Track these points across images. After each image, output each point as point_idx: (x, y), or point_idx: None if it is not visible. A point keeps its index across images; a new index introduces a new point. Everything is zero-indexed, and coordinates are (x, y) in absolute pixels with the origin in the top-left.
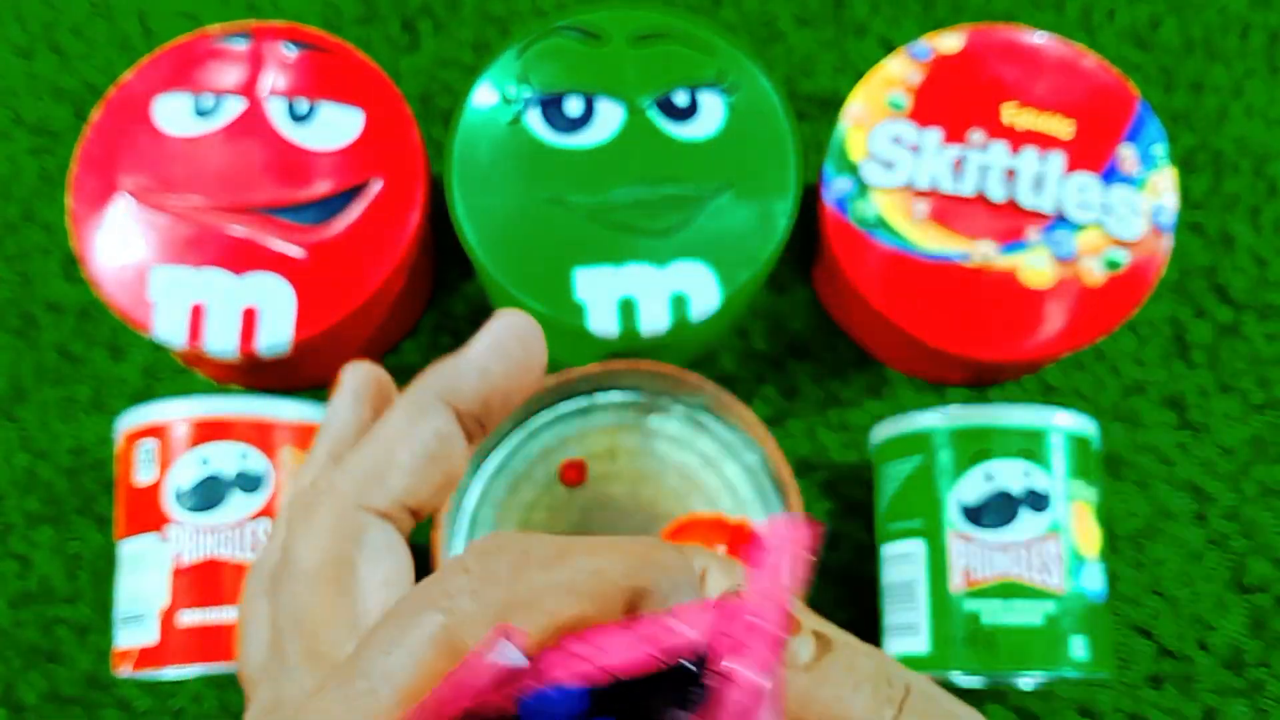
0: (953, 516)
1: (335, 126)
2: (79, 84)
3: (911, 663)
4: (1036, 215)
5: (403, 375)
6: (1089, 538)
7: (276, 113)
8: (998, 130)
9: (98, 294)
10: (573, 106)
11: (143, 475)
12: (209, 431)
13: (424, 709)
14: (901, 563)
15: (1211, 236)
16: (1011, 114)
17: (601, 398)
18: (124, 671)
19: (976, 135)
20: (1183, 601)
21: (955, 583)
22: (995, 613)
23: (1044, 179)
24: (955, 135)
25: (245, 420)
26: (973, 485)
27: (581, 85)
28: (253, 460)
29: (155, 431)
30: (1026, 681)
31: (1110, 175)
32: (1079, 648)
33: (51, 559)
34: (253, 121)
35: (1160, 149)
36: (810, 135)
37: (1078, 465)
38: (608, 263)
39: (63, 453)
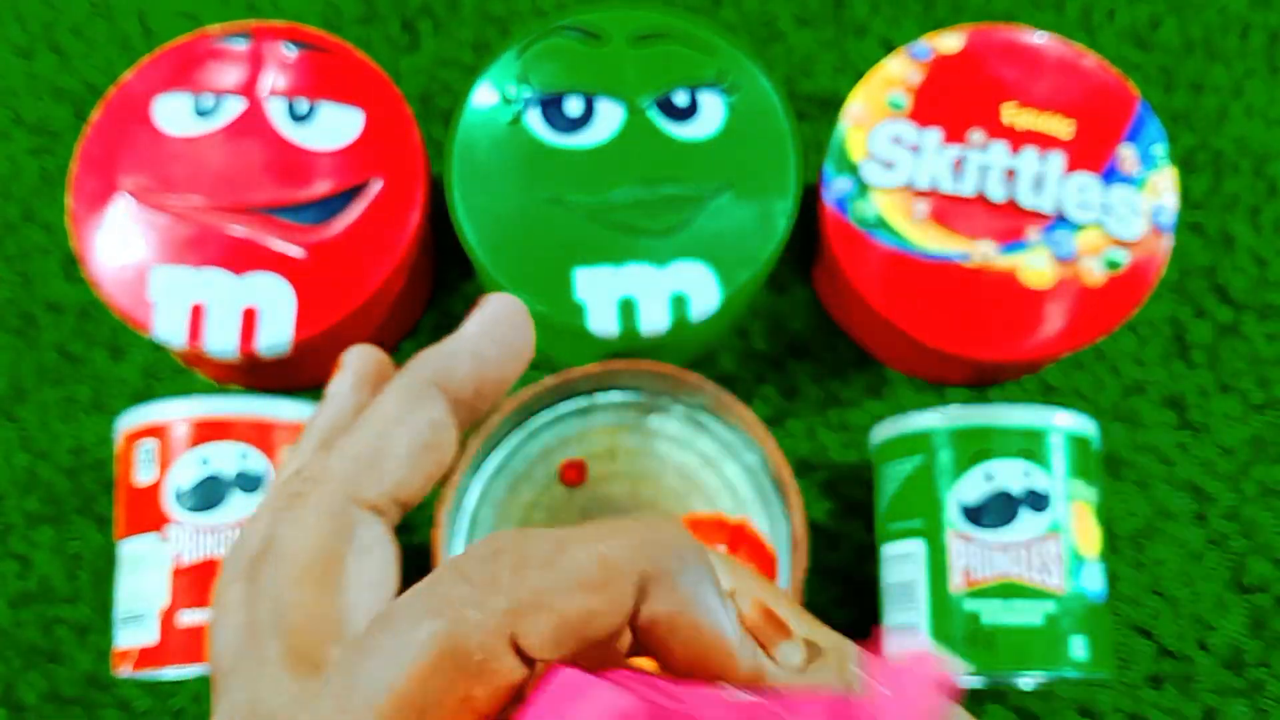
0: (953, 516)
1: (335, 126)
2: (79, 84)
3: None
4: (1036, 215)
5: None
6: (1089, 538)
7: (276, 113)
8: (998, 130)
9: (98, 294)
10: (573, 106)
11: (143, 475)
12: (209, 431)
13: None
14: (901, 563)
15: (1211, 236)
16: (1011, 114)
17: (601, 398)
18: (124, 671)
19: (976, 135)
20: (1183, 601)
21: (955, 583)
22: (995, 613)
23: (1044, 179)
24: (955, 135)
25: (245, 420)
26: (973, 485)
27: (581, 85)
28: (253, 460)
29: (155, 431)
30: (1026, 681)
31: (1110, 175)
32: (1079, 648)
33: (51, 559)
34: (253, 121)
35: (1160, 149)
36: (810, 135)
37: (1078, 465)
38: (608, 263)
39: (63, 453)
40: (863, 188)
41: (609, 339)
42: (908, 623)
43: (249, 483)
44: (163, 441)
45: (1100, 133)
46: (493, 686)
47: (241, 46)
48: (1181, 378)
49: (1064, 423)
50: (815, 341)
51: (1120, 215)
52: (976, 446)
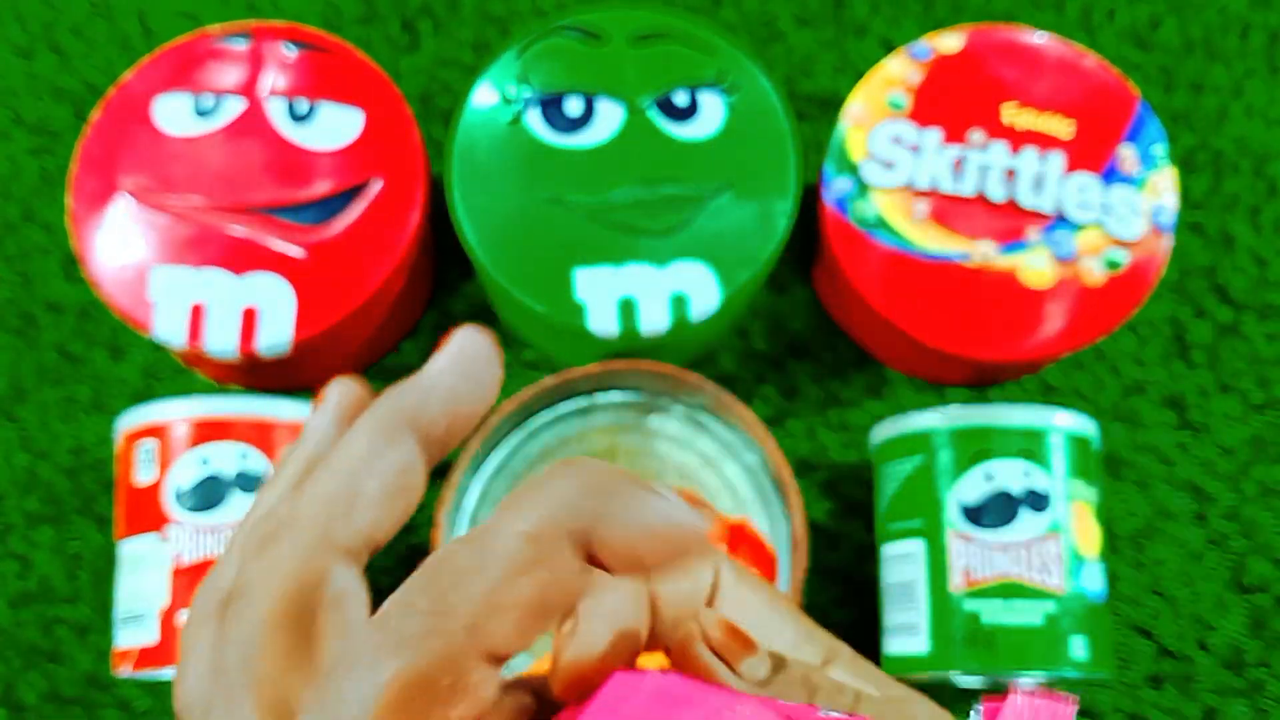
0: (953, 516)
1: (335, 126)
2: (79, 84)
3: (911, 663)
4: (1036, 215)
5: (403, 375)
6: (1089, 538)
7: (276, 113)
8: (998, 130)
9: (98, 294)
10: (573, 106)
11: (143, 475)
12: (209, 431)
13: None
14: (901, 563)
15: (1211, 236)
16: (1011, 114)
17: (601, 398)
18: (124, 671)
19: (976, 135)
20: (1182, 601)
21: (955, 583)
22: (995, 613)
23: (1044, 179)
24: (955, 135)
25: (245, 420)
26: (973, 485)
27: (581, 85)
28: (253, 460)
29: (155, 431)
30: (1026, 682)
31: (1110, 175)
32: (1079, 648)
33: (51, 559)
34: (253, 121)
35: (1160, 149)
36: (810, 135)
37: (1078, 465)
38: (608, 263)
39: (63, 453)
40: (863, 188)
41: (609, 339)
42: (908, 623)
43: (249, 483)
44: (163, 441)
45: (1100, 133)
46: (472, 698)
47: (241, 46)
48: (1181, 378)
49: (1064, 423)
50: (815, 341)
51: (1120, 215)
52: (976, 446)
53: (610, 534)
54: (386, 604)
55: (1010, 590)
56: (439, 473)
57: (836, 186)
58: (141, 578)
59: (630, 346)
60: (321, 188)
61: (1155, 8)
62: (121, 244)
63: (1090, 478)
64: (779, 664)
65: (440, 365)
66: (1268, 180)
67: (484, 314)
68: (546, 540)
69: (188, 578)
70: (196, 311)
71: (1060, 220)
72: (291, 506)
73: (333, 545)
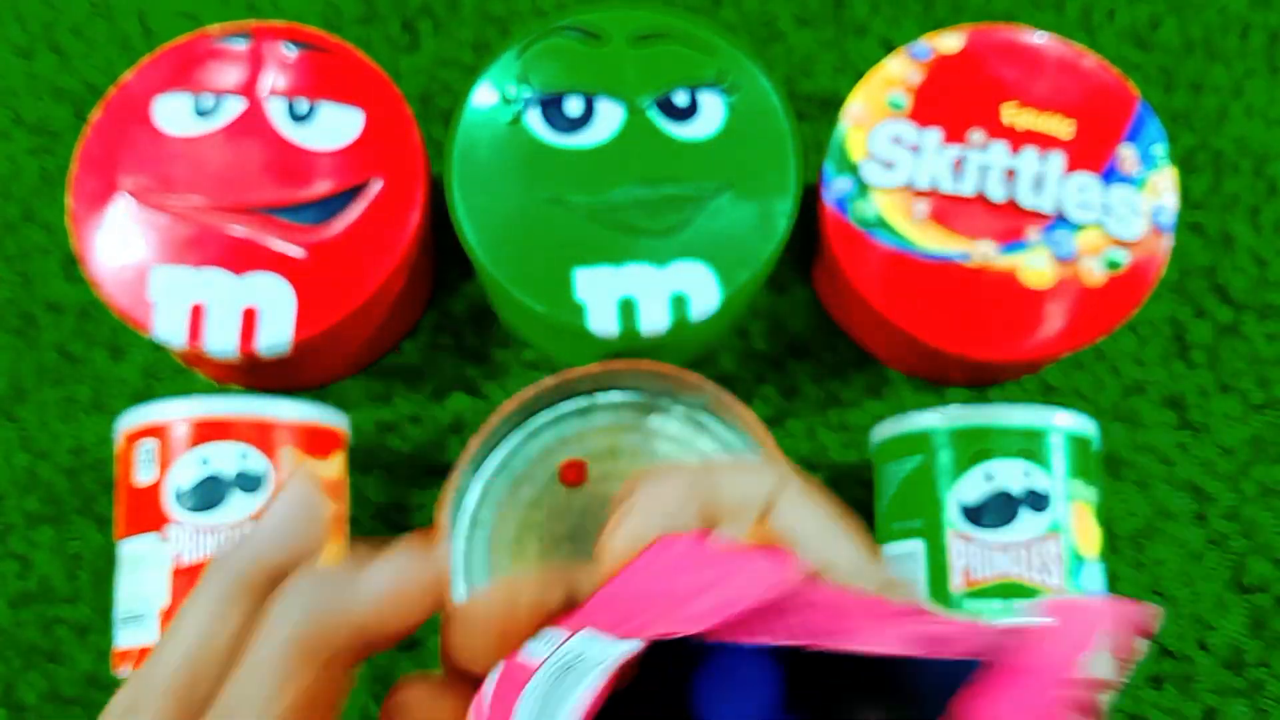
0: (953, 516)
1: (335, 126)
2: (79, 84)
3: None
4: (1036, 215)
5: (403, 375)
6: (1089, 538)
7: (276, 113)
8: (998, 130)
9: (98, 294)
10: (573, 106)
11: (143, 475)
12: (209, 431)
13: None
14: (901, 563)
15: (1211, 236)
16: (1011, 114)
17: (601, 398)
18: (124, 671)
19: (976, 135)
20: (1183, 601)
21: (955, 583)
22: (995, 613)
23: (1044, 179)
24: (955, 135)
25: (245, 420)
26: (973, 485)
27: (581, 85)
28: (253, 460)
29: (155, 431)
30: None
31: (1110, 175)
32: None
33: (51, 559)
34: (253, 121)
35: (1160, 149)
36: (810, 135)
37: (1078, 465)
38: (608, 263)
39: (63, 453)
40: (863, 188)
41: (609, 339)
42: None
43: (249, 483)
44: (163, 441)
45: (1100, 133)
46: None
47: (241, 46)
48: (1181, 378)
49: (1064, 423)
50: (815, 341)
51: (1120, 215)
52: (976, 446)
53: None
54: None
55: (1010, 590)
56: (439, 472)
57: (836, 186)
58: (141, 578)
59: (630, 346)
60: (321, 188)
61: (1155, 8)
62: (121, 244)
63: (1090, 478)
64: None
65: (263, 525)
66: (1268, 180)
67: (484, 314)
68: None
69: (188, 578)
70: (196, 311)
71: (1060, 220)
72: (135, 691)
73: None
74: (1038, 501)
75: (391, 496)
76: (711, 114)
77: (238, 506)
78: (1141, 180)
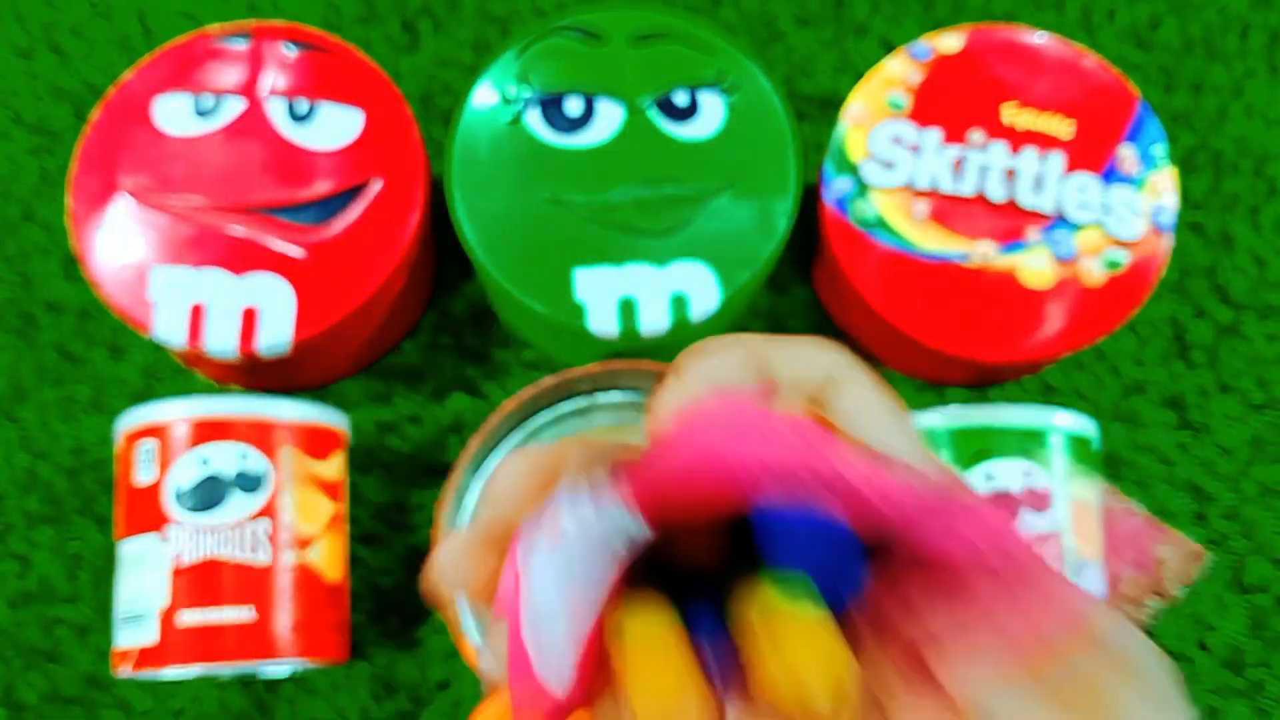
0: None
1: (335, 126)
2: (79, 84)
3: None
4: (1036, 215)
5: (403, 375)
6: (1089, 538)
7: (276, 113)
8: (998, 130)
9: (98, 294)
10: (573, 106)
11: (143, 475)
12: (209, 431)
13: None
14: None
15: (1211, 236)
16: (1011, 114)
17: (601, 398)
18: (124, 671)
19: (976, 135)
20: (1183, 601)
21: None
22: None
23: (1044, 179)
24: (955, 135)
25: (245, 420)
26: (973, 485)
27: (581, 85)
28: (253, 460)
29: (155, 431)
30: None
31: (1110, 175)
32: None
33: (51, 559)
34: (253, 121)
35: (1160, 149)
36: (810, 135)
37: (1078, 466)
38: (608, 263)
39: (63, 453)
40: (863, 188)
41: (609, 339)
42: None
43: (249, 482)
44: (163, 441)
45: (1100, 133)
46: None
47: (241, 46)
48: (1181, 378)
49: (1064, 423)
50: None
51: (1120, 215)
52: (976, 446)
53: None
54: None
55: None
56: (439, 472)
57: (836, 186)
58: (141, 578)
59: (630, 346)
60: (321, 188)
61: (1155, 8)
62: (121, 244)
63: (1091, 478)
64: None
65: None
66: (1268, 180)
67: (484, 314)
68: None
69: (188, 578)
70: (196, 311)
71: (1060, 220)
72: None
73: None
74: (1037, 501)
75: (391, 496)
76: (711, 114)
77: (238, 506)
78: (1141, 180)
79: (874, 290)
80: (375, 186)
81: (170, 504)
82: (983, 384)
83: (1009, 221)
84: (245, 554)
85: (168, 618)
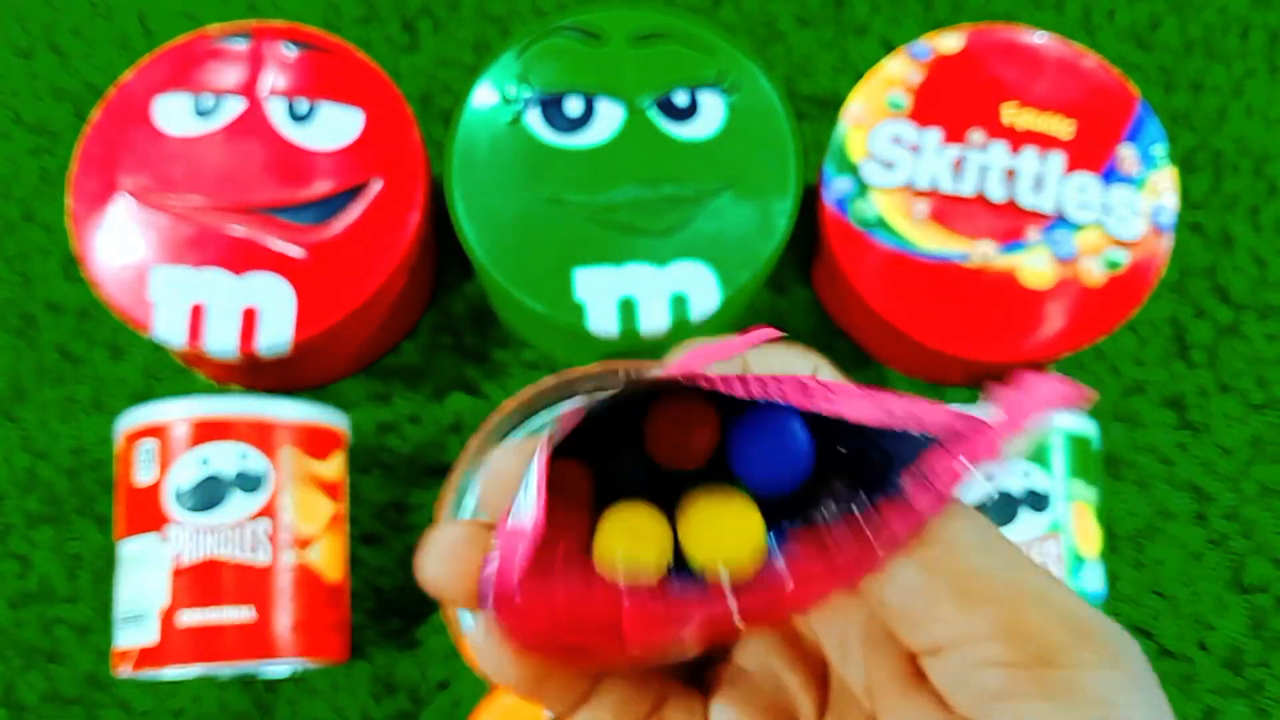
0: None
1: (335, 126)
2: (79, 84)
3: None
4: (1036, 215)
5: (403, 375)
6: (1089, 538)
7: (276, 113)
8: (998, 130)
9: (98, 294)
10: (573, 106)
11: (143, 475)
12: (209, 431)
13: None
14: None
15: (1211, 236)
16: (1011, 114)
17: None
18: (124, 671)
19: (976, 135)
20: (1182, 601)
21: None
22: None
23: (1044, 179)
24: (955, 135)
25: (245, 420)
26: (972, 486)
27: (581, 85)
28: (253, 460)
29: (155, 431)
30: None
31: (1110, 175)
32: None
33: (51, 559)
34: (253, 121)
35: (1160, 149)
36: (810, 135)
37: (1078, 465)
38: (608, 263)
39: (63, 453)
40: (863, 188)
41: (609, 339)
42: None
43: (249, 482)
44: (163, 441)
45: (1100, 133)
46: None
47: (241, 46)
48: (1181, 378)
49: (1064, 423)
50: (815, 341)
51: (1120, 215)
52: None
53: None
54: None
55: None
56: (439, 472)
57: (836, 186)
58: (141, 578)
59: (630, 346)
60: (321, 188)
61: (1155, 8)
62: (121, 244)
63: (1090, 478)
64: None
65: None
66: (1268, 180)
67: (484, 314)
68: None
69: (188, 578)
70: (196, 311)
71: (1060, 220)
72: None
73: None
74: (1038, 501)
75: (391, 496)
76: (711, 114)
77: (238, 506)
78: (1141, 180)
79: (874, 290)
80: (375, 186)
81: (170, 504)
82: (983, 384)
83: (1009, 221)
84: (245, 554)
85: (168, 618)
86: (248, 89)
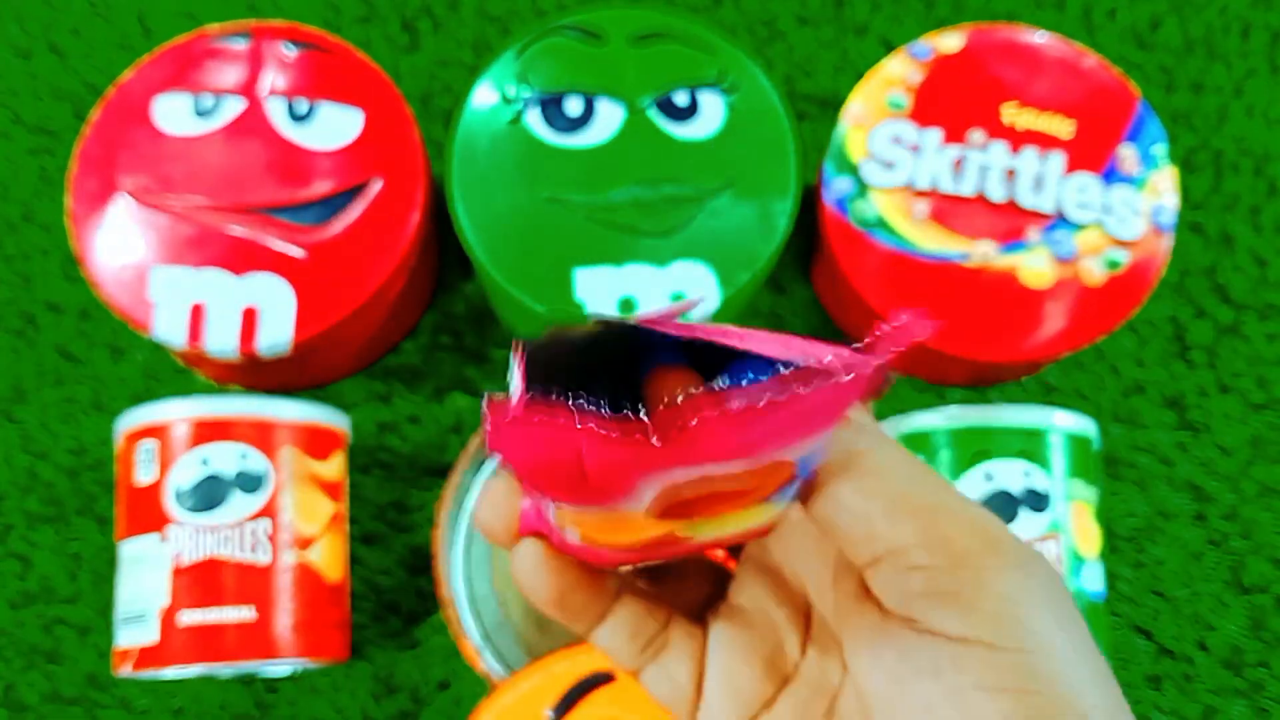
0: None
1: (335, 126)
2: (78, 84)
3: None
4: (1036, 215)
5: (404, 375)
6: (1088, 538)
7: (276, 112)
8: (998, 130)
9: (98, 294)
10: (573, 106)
11: (143, 475)
12: (209, 432)
13: None
14: None
15: (1212, 236)
16: (1012, 114)
17: None
18: (124, 671)
19: (976, 135)
20: (1182, 601)
21: None
22: None
23: (1044, 179)
24: (955, 135)
25: (245, 420)
26: (972, 485)
27: (581, 85)
28: (253, 460)
29: (155, 432)
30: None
31: (1110, 175)
32: None
33: (52, 559)
34: (252, 121)
35: (1160, 149)
36: (810, 135)
37: (1077, 465)
38: (608, 263)
39: (63, 453)
40: (863, 188)
41: None
42: None
43: (249, 482)
44: (163, 442)
45: (1100, 133)
46: None
47: (241, 46)
48: (1181, 378)
49: (1064, 423)
50: None
51: (1120, 215)
52: (976, 446)
53: None
54: None
55: None
56: (439, 472)
57: (836, 186)
58: (142, 578)
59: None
60: (321, 188)
61: (1156, 7)
62: (121, 244)
63: (1090, 478)
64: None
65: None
66: (1268, 180)
67: (484, 314)
68: None
69: (188, 578)
70: (196, 311)
71: (1060, 220)
72: None
73: None
74: (1037, 501)
75: (391, 496)
76: (711, 114)
77: (238, 506)
78: (1142, 180)
79: (874, 290)
80: (375, 186)
81: (171, 504)
82: (982, 384)
83: (1009, 221)
84: (245, 554)
85: (168, 617)
86: (247, 89)
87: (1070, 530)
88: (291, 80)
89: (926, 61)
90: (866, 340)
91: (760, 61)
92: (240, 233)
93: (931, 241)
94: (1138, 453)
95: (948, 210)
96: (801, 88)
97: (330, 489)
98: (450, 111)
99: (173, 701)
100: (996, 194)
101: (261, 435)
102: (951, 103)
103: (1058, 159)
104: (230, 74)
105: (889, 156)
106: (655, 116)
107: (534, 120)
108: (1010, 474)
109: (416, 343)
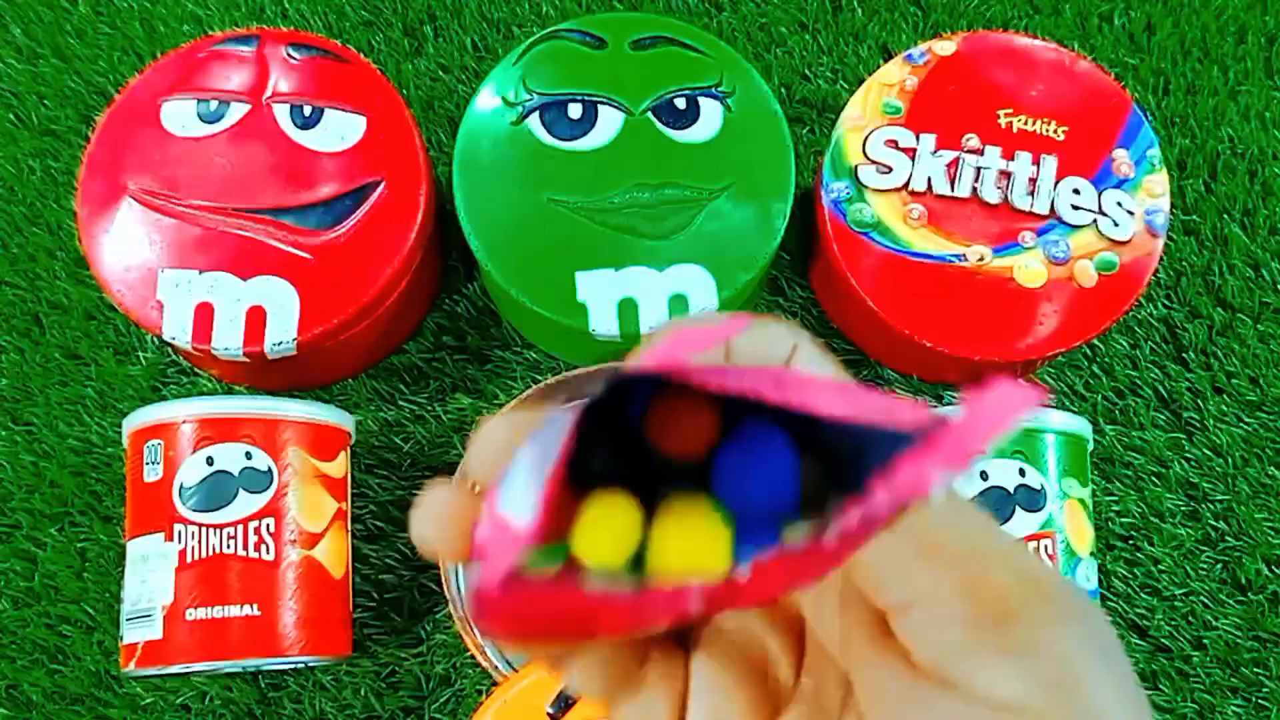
0: None
1: (339, 130)
2: (85, 88)
3: None
4: (1031, 217)
5: (405, 376)
6: (1081, 536)
7: (281, 116)
8: (993, 134)
9: (106, 295)
10: (574, 110)
11: (149, 475)
12: (215, 431)
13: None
14: None
15: (1206, 238)
16: (1006, 118)
17: None
18: (130, 668)
19: (972, 139)
20: (1178, 600)
21: None
22: None
23: (1038, 182)
24: (951, 139)
25: (251, 420)
26: (967, 484)
27: (583, 89)
28: (258, 459)
29: (162, 431)
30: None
31: (1104, 178)
32: None
33: (58, 558)
34: (258, 125)
35: (1154, 152)
36: (808, 139)
37: (1071, 464)
38: (608, 265)
39: (69, 453)
40: (860, 190)
41: (610, 339)
42: None
43: (254, 481)
44: (169, 441)
45: (1094, 136)
46: None
47: (247, 51)
48: (1175, 378)
49: (1058, 422)
50: None
51: (1114, 217)
52: None
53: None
54: None
55: None
56: (442, 471)
57: (834, 189)
58: (148, 575)
59: (631, 347)
60: (326, 191)
61: (1152, 11)
62: (129, 246)
63: (1083, 477)
64: None
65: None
66: (1262, 183)
67: (487, 316)
68: None
69: (193, 575)
70: (203, 312)
71: (1054, 222)
72: None
73: None
74: (1031, 499)
75: (395, 495)
76: (710, 118)
77: (243, 505)
78: (1135, 183)
79: (871, 291)
80: (379, 190)
81: (177, 503)
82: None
83: (1004, 224)
84: (251, 552)
85: (174, 614)
86: (253, 93)
87: (1063, 528)
88: (296, 85)
89: (922, 67)
90: (961, 406)
91: (758, 66)
92: (246, 235)
93: (927, 243)
94: (1132, 453)
95: (943, 213)
96: (799, 92)
97: (335, 487)
98: (453, 115)
99: (178, 698)
100: (991, 197)
101: (267, 435)
102: (947, 108)
103: (1052, 162)
104: (236, 78)
105: (885, 160)
106: (655, 120)
107: (536, 124)
108: (1005, 472)
109: (420, 343)
